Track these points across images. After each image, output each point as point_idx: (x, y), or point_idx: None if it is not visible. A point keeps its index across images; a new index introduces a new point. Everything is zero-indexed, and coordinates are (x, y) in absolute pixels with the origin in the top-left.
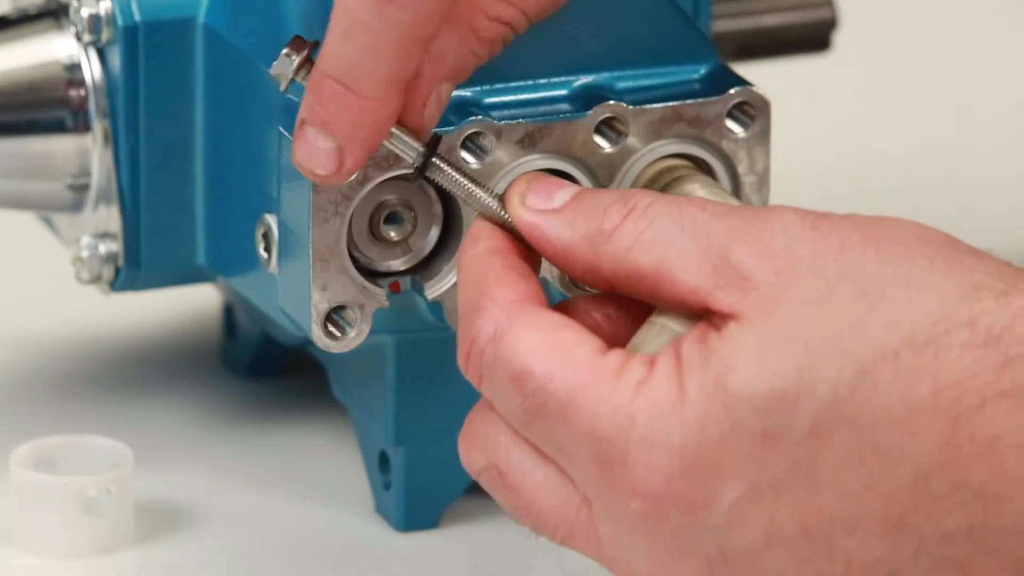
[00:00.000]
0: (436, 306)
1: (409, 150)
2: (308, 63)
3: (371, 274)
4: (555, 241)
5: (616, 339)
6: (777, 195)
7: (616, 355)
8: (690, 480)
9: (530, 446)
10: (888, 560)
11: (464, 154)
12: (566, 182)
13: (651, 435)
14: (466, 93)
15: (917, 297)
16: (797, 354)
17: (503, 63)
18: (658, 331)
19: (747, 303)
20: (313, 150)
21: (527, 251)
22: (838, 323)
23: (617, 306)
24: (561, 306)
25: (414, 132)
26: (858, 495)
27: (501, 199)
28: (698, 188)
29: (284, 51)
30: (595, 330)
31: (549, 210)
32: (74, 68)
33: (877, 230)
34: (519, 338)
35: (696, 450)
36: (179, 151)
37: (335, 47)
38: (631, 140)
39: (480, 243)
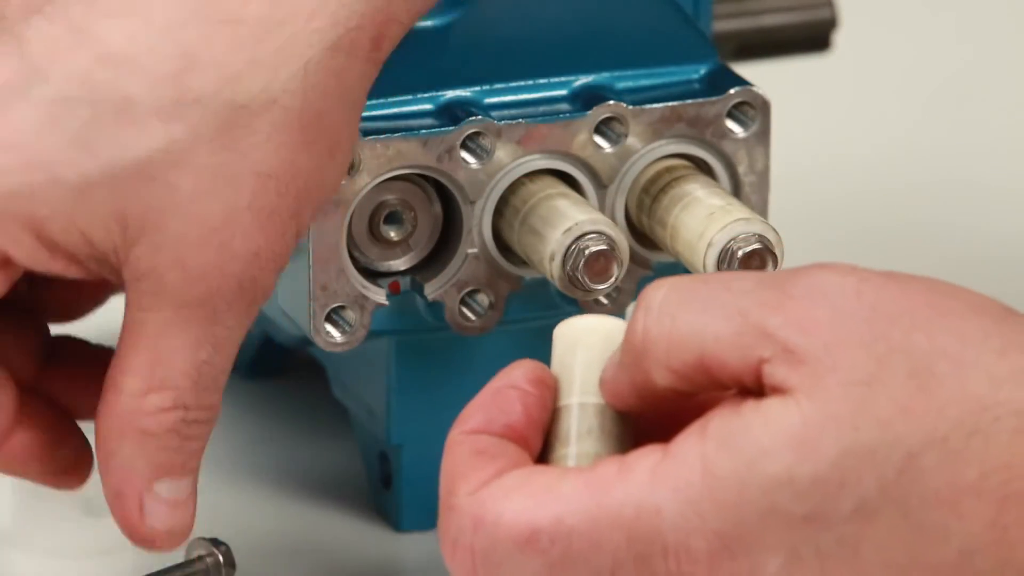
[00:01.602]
0: (436, 306)
1: None
2: None
3: (371, 274)
4: (621, 389)
5: None
6: (777, 195)
7: (606, 463)
8: (733, 556)
9: None
10: None
11: (464, 154)
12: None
13: (684, 521)
14: (466, 93)
15: (968, 380)
16: (844, 439)
17: (503, 63)
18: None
19: (797, 378)
20: (165, 504)
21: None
22: (889, 406)
23: None
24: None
25: (149, 541)
26: (903, 568)
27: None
28: (698, 188)
29: None
30: None
31: (609, 377)
32: None
33: (927, 297)
34: (502, 512)
35: (734, 530)
36: None
37: None
38: (631, 140)
39: (459, 425)
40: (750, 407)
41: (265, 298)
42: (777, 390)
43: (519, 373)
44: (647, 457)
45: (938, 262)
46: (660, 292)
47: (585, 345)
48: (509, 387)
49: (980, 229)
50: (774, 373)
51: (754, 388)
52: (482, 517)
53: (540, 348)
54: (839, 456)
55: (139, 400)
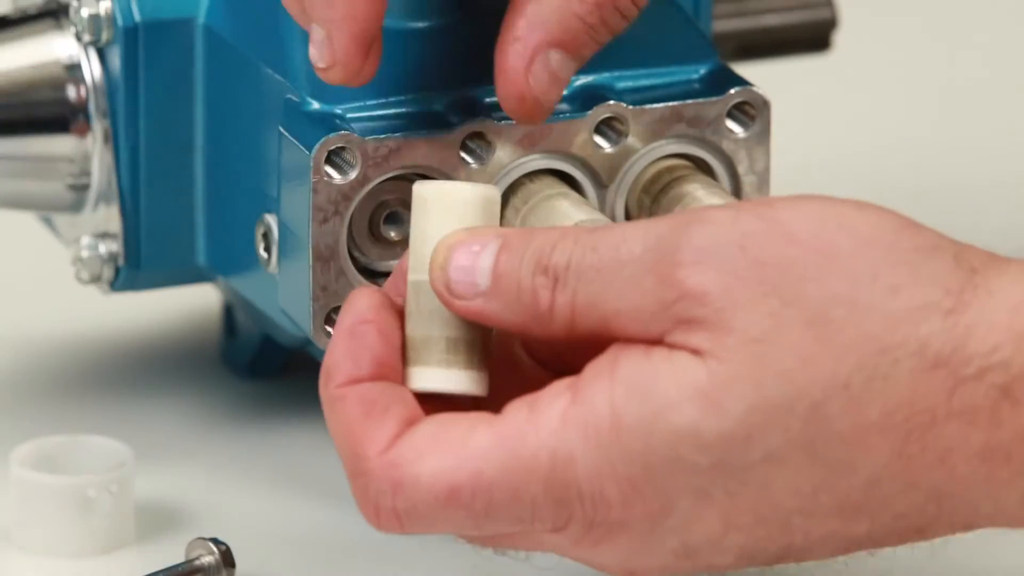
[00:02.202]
0: None
1: None
2: None
3: (371, 274)
4: (503, 323)
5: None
6: (777, 195)
7: (515, 408)
8: (644, 498)
9: (490, 539)
10: (843, 532)
11: (464, 154)
12: (476, 245)
13: (595, 468)
14: (466, 93)
15: (864, 323)
16: (749, 395)
17: None
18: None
19: (698, 340)
20: (314, 44)
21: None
22: (788, 360)
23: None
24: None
25: (518, 98)
26: (812, 494)
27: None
28: (698, 188)
29: None
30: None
31: (480, 295)
32: (74, 68)
33: (814, 240)
34: (419, 474)
35: (644, 476)
36: (179, 151)
37: None
38: (631, 140)
39: (330, 381)
40: (661, 355)
41: None
42: (685, 348)
43: (364, 305)
44: (557, 400)
45: None
46: (563, 257)
47: (437, 214)
48: (361, 323)
49: (980, 229)
50: (675, 339)
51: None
52: (400, 481)
53: None
54: (744, 413)
55: None
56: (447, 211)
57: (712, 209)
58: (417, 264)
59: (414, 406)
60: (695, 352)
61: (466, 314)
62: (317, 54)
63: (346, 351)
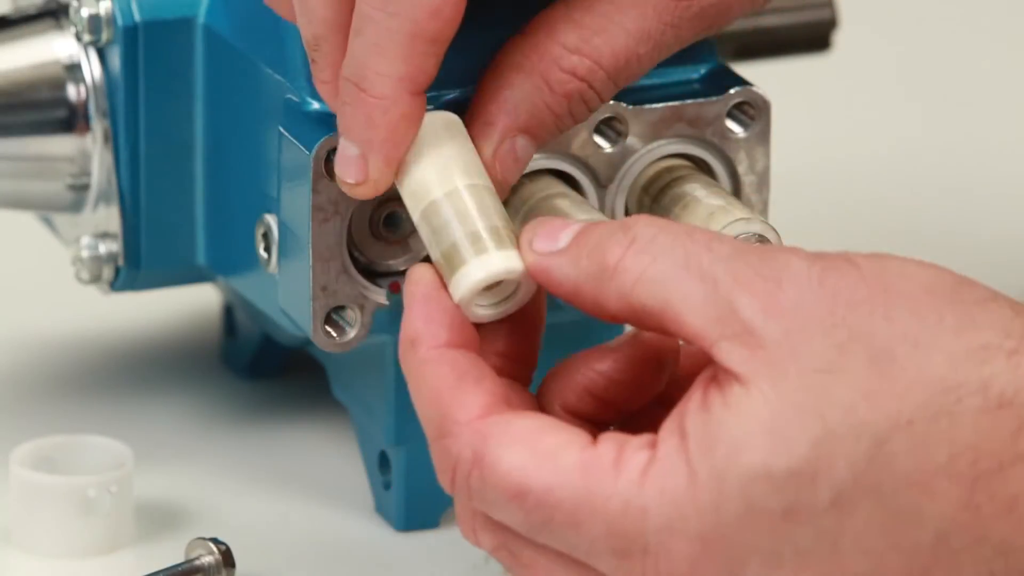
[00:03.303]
0: None
1: None
2: None
3: (371, 274)
4: (562, 281)
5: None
6: (777, 195)
7: (607, 446)
8: (714, 560)
9: (539, 545)
10: None
11: None
12: (572, 221)
13: (668, 524)
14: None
15: (927, 362)
16: (813, 428)
17: None
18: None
19: (754, 364)
20: (343, 159)
21: (464, 323)
22: (851, 393)
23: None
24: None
25: (495, 184)
26: (881, 554)
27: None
28: (698, 188)
29: None
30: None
31: (554, 252)
32: (74, 68)
33: (884, 282)
34: (501, 458)
35: (715, 532)
36: (179, 151)
37: (351, 46)
38: (631, 140)
39: (420, 345)
40: (717, 403)
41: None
42: (731, 374)
43: (431, 275)
44: (639, 453)
45: (938, 261)
46: (651, 230)
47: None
48: (435, 290)
49: (980, 229)
50: (731, 352)
51: (701, 356)
52: (483, 454)
53: (542, 346)
54: (810, 446)
55: (565, 54)
56: (444, 137)
57: (795, 248)
58: (422, 191)
59: (500, 384)
60: (746, 381)
61: (534, 271)
62: (346, 170)
63: (427, 317)
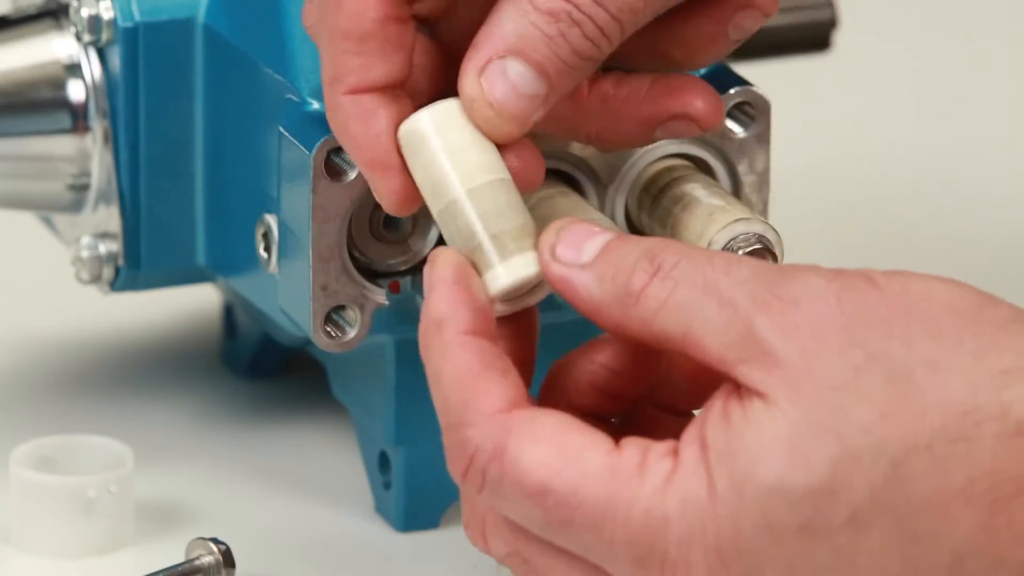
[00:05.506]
0: None
1: None
2: None
3: (371, 274)
4: (585, 298)
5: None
6: (777, 195)
7: (632, 450)
8: (730, 573)
9: (555, 547)
10: None
11: None
12: (597, 228)
13: (688, 535)
14: None
15: (946, 385)
16: (830, 446)
17: None
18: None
19: (772, 382)
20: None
21: (488, 316)
22: (867, 412)
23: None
24: (547, 391)
25: (468, 100)
26: (897, 574)
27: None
28: (698, 188)
29: None
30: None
31: (579, 265)
32: (74, 68)
33: (904, 303)
34: (524, 453)
35: (733, 545)
36: (179, 151)
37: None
38: None
39: (447, 328)
40: (737, 415)
41: None
42: (752, 391)
43: (458, 259)
44: (662, 461)
45: (938, 262)
46: (674, 257)
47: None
48: (464, 273)
49: (979, 229)
50: (750, 374)
51: (723, 375)
52: (504, 448)
53: (541, 346)
54: (828, 464)
55: None
56: (451, 128)
57: (815, 266)
58: (441, 189)
59: (522, 382)
60: (766, 398)
61: (557, 282)
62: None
63: (456, 300)
